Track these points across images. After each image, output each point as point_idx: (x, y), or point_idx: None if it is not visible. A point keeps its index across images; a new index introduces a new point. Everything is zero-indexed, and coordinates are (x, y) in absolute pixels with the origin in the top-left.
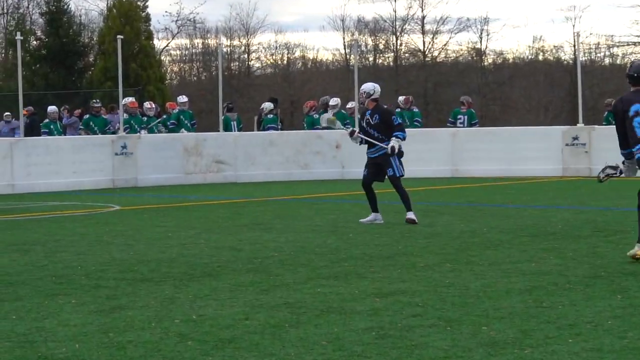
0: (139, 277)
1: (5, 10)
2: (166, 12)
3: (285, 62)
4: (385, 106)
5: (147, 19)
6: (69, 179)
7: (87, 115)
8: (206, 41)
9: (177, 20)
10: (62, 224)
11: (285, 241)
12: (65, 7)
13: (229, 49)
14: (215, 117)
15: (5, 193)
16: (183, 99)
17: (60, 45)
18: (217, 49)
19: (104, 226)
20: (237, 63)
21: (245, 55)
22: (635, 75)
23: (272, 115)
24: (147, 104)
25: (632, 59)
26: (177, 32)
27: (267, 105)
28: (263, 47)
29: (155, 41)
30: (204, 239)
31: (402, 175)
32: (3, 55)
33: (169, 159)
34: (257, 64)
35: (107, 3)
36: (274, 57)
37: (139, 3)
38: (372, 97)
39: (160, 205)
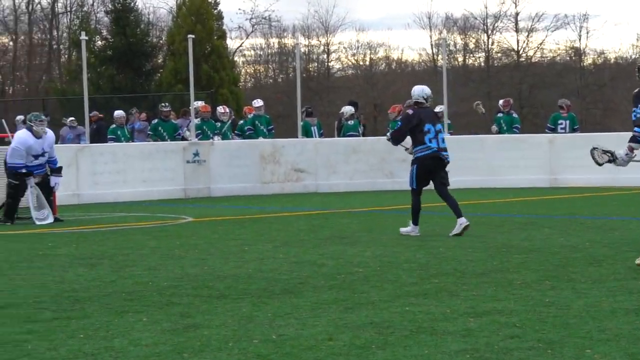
0: (214, 293)
1: (68, 9)
2: (239, 9)
3: (367, 62)
4: (409, 111)
5: (220, 17)
6: (137, 189)
7: (156, 120)
8: (282, 41)
9: (251, 19)
10: (131, 237)
11: (370, 256)
12: (132, 4)
13: (307, 49)
14: (293, 122)
15: (70, 203)
16: (258, 102)
17: (127, 46)
18: (294, 49)
19: (175, 239)
20: (316, 64)
21: (325, 56)
22: None
23: (353, 121)
24: (220, 109)
25: None
26: (252, 31)
27: (348, 110)
28: (343, 47)
29: (228, 41)
30: (283, 253)
31: (413, 188)
32: (66, 56)
33: (244, 167)
34: (337, 65)
35: (177, 0)
36: (355, 57)
37: (210, 0)
38: (413, 101)
39: (235, 217)
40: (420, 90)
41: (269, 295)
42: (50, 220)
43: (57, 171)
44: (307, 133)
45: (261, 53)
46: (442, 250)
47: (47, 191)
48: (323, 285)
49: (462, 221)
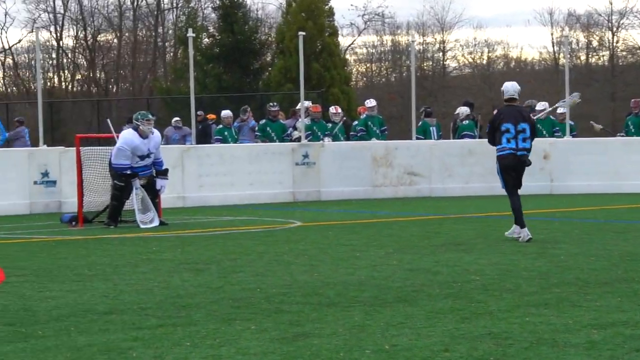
0: (324, 301)
1: (174, 5)
2: (352, 5)
3: (485, 61)
4: (495, 111)
5: (331, 13)
6: (244, 191)
7: (264, 120)
8: (396, 38)
9: (363, 15)
10: (239, 241)
11: (487, 263)
12: (241, 0)
13: (421, 47)
14: (407, 123)
15: (175, 206)
16: (371, 102)
17: (235, 43)
18: (408, 47)
19: (284, 244)
20: (431, 62)
21: (440, 54)
22: None
23: (468, 121)
24: (332, 109)
25: None
26: (364, 28)
27: (463, 110)
28: (460, 45)
29: (340, 38)
30: (397, 260)
31: (505, 189)
32: (172, 54)
33: (355, 169)
34: (454, 64)
35: None
36: (472, 55)
37: None
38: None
39: (346, 222)
40: (511, 87)
41: (381, 304)
42: (156, 223)
43: (163, 173)
44: (426, 134)
45: (374, 51)
46: (563, 258)
47: (153, 193)
48: (438, 293)
49: (519, 231)
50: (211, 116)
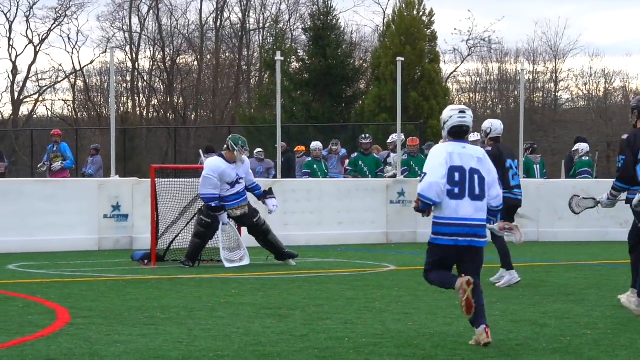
0: (419, 353)
1: (261, 25)
2: (455, 29)
3: (601, 93)
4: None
5: (433, 37)
6: (332, 231)
7: (356, 154)
8: (504, 66)
9: (468, 40)
10: (326, 285)
11: (600, 316)
12: (334, 22)
13: (531, 76)
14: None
15: (257, 246)
16: (475, 136)
17: (326, 69)
18: (517, 76)
19: (375, 290)
20: (542, 93)
21: (552, 85)
22: None
23: (587, 158)
24: (409, 140)
25: None
26: (469, 55)
27: (584, 147)
28: (574, 75)
29: (442, 65)
30: (500, 310)
31: None
32: (257, 79)
33: None
34: (566, 95)
35: (385, 18)
36: (587, 87)
37: (423, 18)
38: (490, 136)
39: None
40: (500, 125)
41: (482, 358)
42: (246, 262)
43: (269, 192)
44: (529, 172)
45: (478, 79)
46: None
47: (251, 224)
48: (545, 348)
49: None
50: (300, 148)
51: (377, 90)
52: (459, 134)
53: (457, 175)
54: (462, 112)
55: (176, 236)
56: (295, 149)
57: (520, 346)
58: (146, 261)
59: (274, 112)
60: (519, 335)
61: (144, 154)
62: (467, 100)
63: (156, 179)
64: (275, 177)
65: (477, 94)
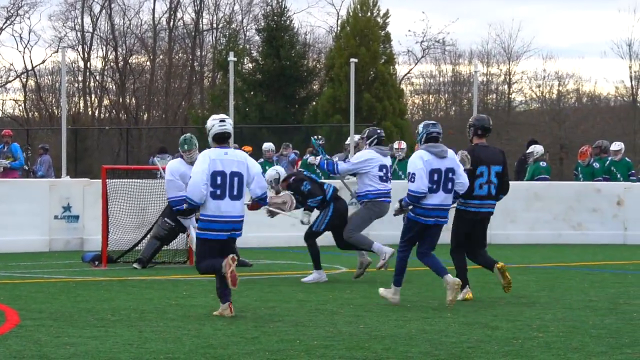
0: (370, 356)
1: (214, 26)
2: (409, 31)
3: (554, 95)
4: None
5: (387, 38)
6: (285, 233)
7: (308, 156)
8: (457, 68)
9: (422, 42)
10: (277, 288)
11: (552, 319)
12: (288, 22)
13: (485, 78)
14: None
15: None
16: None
17: (280, 70)
18: (471, 78)
19: (327, 292)
20: (495, 95)
21: (506, 87)
22: (489, 127)
23: (545, 164)
24: (396, 144)
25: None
26: (422, 56)
27: (539, 149)
28: (527, 77)
29: (396, 66)
30: (451, 313)
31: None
32: (210, 79)
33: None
34: (520, 98)
35: (339, 19)
36: (540, 89)
37: (377, 19)
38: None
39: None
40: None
41: None
42: None
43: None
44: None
45: (432, 81)
46: (636, 315)
47: None
48: (496, 351)
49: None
50: (246, 148)
51: (331, 91)
52: (221, 140)
53: (219, 178)
54: (222, 120)
55: (139, 242)
56: (242, 148)
57: (472, 349)
58: (97, 262)
59: (227, 113)
60: (471, 337)
61: (95, 154)
62: (421, 102)
63: (107, 180)
64: None
65: (431, 96)
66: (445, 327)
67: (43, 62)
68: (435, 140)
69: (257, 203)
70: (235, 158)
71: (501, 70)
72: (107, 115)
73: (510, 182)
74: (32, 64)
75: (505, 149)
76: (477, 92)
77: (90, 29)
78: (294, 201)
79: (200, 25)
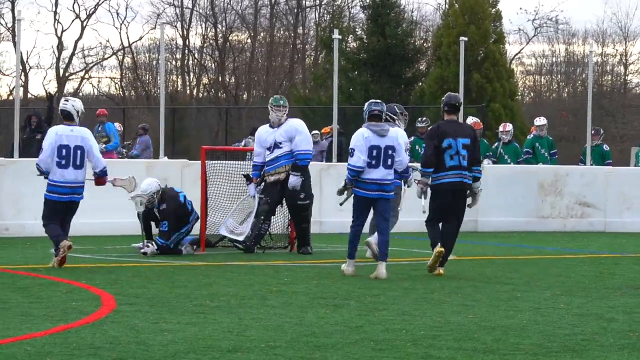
0: (480, 347)
1: (318, 2)
2: (521, 8)
3: None
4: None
5: (498, 17)
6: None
7: (412, 138)
8: (571, 47)
9: (534, 20)
10: None
11: None
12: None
13: (600, 59)
14: (580, 145)
15: (312, 232)
16: (541, 121)
17: (386, 48)
18: (585, 58)
19: (434, 280)
20: (611, 77)
21: (622, 68)
22: (456, 104)
23: None
24: (502, 126)
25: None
26: (534, 35)
27: None
28: None
29: (506, 46)
30: (564, 303)
31: None
32: (312, 58)
33: (519, 197)
34: (637, 79)
35: None
36: None
37: None
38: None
39: (506, 257)
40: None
41: (545, 353)
42: (241, 238)
43: (295, 169)
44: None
45: (544, 62)
46: None
47: (291, 208)
48: (612, 344)
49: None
50: (326, 130)
51: (439, 71)
52: (66, 117)
53: (64, 151)
54: (66, 100)
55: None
56: (323, 131)
57: (586, 341)
58: (195, 247)
59: (330, 93)
60: (585, 330)
61: (193, 134)
62: (532, 83)
63: (206, 161)
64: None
65: (543, 77)
66: (558, 318)
67: (140, 39)
68: (377, 118)
69: (100, 178)
70: (80, 134)
71: (617, 50)
72: (205, 94)
73: (626, 167)
74: (129, 41)
75: (621, 133)
76: (591, 74)
77: (190, 5)
78: (136, 183)
79: (304, 1)
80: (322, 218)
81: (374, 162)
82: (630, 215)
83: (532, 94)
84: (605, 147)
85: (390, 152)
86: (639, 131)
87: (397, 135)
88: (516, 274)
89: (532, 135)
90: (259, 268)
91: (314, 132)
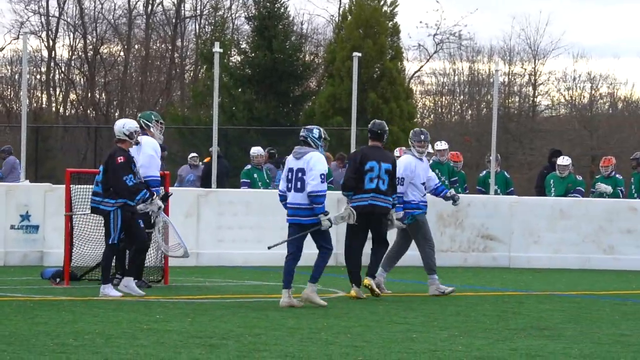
0: None
1: (198, 12)
2: (421, 22)
3: (585, 100)
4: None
5: (396, 31)
6: (277, 250)
7: None
8: (475, 66)
9: (435, 35)
10: (265, 312)
11: (578, 355)
12: (282, 10)
13: (507, 78)
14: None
15: (187, 265)
16: (442, 145)
17: (272, 64)
18: (491, 78)
19: (321, 319)
20: (518, 98)
21: (530, 89)
22: (379, 132)
23: (580, 177)
24: (397, 151)
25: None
26: (435, 52)
27: (566, 160)
28: (555, 78)
29: (405, 63)
30: (463, 345)
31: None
32: (192, 74)
33: None
34: (546, 101)
35: (341, 7)
36: (570, 92)
37: (385, 8)
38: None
39: (400, 294)
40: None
41: None
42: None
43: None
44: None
45: (446, 80)
46: None
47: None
48: None
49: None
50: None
51: (331, 89)
52: None
53: None
54: None
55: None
56: (205, 160)
57: None
58: (58, 280)
59: (211, 112)
60: None
61: (59, 156)
62: (432, 104)
63: (72, 185)
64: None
65: (444, 97)
66: None
67: (1, 49)
68: (302, 142)
69: None
70: None
71: (525, 69)
72: (73, 111)
73: (532, 197)
74: None
75: (528, 160)
76: (497, 94)
77: (56, 13)
78: None
79: (182, 11)
80: (199, 249)
81: (289, 185)
82: (537, 249)
83: (432, 115)
84: (507, 174)
85: (300, 174)
86: (544, 156)
87: (312, 158)
88: (411, 313)
89: (431, 161)
90: (129, 304)
91: (192, 154)
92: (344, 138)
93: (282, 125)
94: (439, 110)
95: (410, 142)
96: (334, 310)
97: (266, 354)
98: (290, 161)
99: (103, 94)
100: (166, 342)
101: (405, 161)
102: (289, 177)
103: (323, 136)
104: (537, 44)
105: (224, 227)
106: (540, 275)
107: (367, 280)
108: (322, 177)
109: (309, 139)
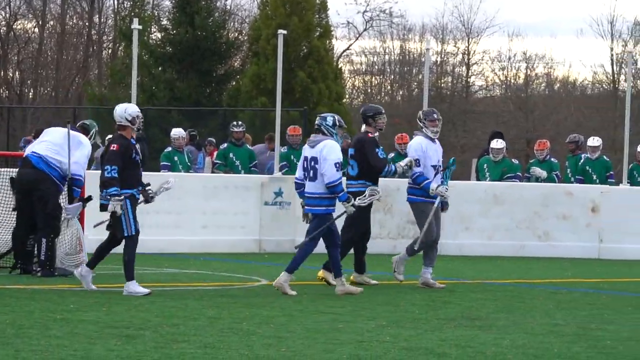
0: None
1: None
2: None
3: (521, 80)
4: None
5: (323, 7)
6: (194, 237)
7: (226, 145)
8: (406, 44)
9: (365, 12)
10: (183, 302)
11: (510, 345)
12: None
13: (439, 57)
14: None
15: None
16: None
17: (194, 41)
18: (422, 57)
19: (243, 308)
20: (451, 79)
21: (464, 69)
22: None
23: (517, 161)
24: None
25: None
26: (365, 30)
27: (500, 144)
28: (490, 58)
29: (333, 41)
30: (391, 336)
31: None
32: (110, 51)
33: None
34: (480, 82)
35: None
36: (505, 72)
37: None
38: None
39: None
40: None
41: None
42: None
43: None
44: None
45: (376, 60)
46: (609, 343)
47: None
48: None
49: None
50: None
51: (256, 68)
52: None
53: None
54: None
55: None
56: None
57: None
58: None
59: (129, 92)
60: None
61: None
62: (362, 84)
63: None
64: None
65: (374, 77)
66: (382, 352)
67: None
68: (316, 130)
69: None
70: None
71: (458, 48)
72: None
73: (464, 181)
74: None
75: (461, 142)
76: (428, 74)
77: None
78: None
79: None
80: None
81: (306, 173)
82: (468, 236)
83: (361, 96)
84: None
85: (313, 163)
86: (481, 140)
87: (325, 146)
88: (338, 302)
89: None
90: (41, 292)
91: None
92: (268, 119)
93: (204, 106)
94: (369, 91)
95: (421, 123)
96: (256, 300)
97: (185, 345)
98: (306, 149)
99: (17, 73)
100: (80, 333)
101: (415, 143)
102: (305, 165)
103: (338, 124)
104: (470, 22)
105: (142, 212)
106: (472, 263)
107: (321, 273)
108: (337, 165)
109: (322, 127)
